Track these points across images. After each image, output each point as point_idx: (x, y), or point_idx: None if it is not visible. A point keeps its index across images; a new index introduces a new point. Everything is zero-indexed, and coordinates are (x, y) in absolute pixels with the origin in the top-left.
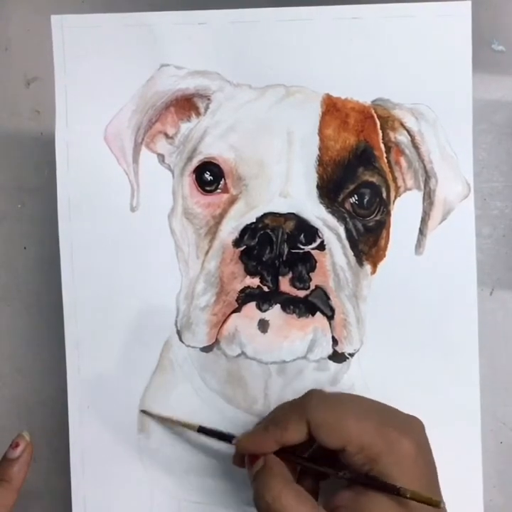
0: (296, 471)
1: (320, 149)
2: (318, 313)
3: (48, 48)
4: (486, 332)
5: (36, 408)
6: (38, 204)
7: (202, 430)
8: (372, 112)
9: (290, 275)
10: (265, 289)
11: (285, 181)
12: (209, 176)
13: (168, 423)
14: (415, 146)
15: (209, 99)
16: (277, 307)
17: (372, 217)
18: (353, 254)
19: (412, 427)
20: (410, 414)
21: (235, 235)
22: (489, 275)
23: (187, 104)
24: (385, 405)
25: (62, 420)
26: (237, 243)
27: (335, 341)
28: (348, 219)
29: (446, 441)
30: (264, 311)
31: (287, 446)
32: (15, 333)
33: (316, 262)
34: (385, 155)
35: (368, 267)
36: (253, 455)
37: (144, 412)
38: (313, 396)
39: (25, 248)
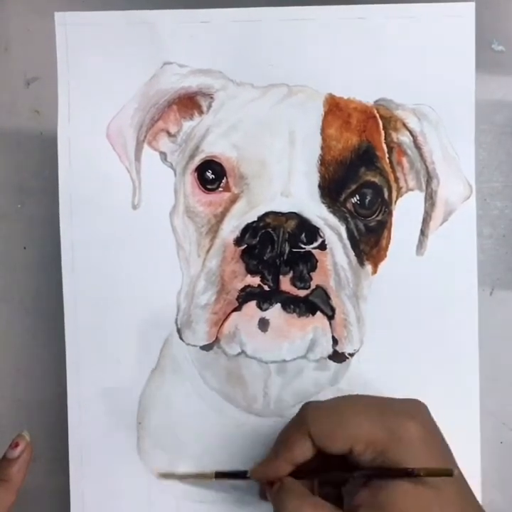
0: (314, 487)
1: (322, 149)
2: (318, 313)
3: (48, 47)
4: (486, 332)
5: (36, 408)
6: (38, 204)
7: (219, 475)
8: (375, 112)
9: (291, 274)
10: (266, 288)
11: (287, 180)
12: (211, 174)
13: (185, 478)
14: (417, 146)
15: (212, 98)
16: (278, 306)
17: (373, 217)
18: (354, 254)
19: (414, 410)
20: (410, 398)
21: (237, 233)
22: (489, 275)
23: (189, 103)
24: (382, 398)
25: (62, 420)
26: (238, 242)
27: (335, 341)
28: (349, 219)
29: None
30: (265, 310)
31: (301, 465)
32: (15, 333)
33: (317, 261)
34: (387, 155)
35: (368, 267)
36: (272, 482)
37: (162, 475)
38: (309, 408)
39: (25, 248)
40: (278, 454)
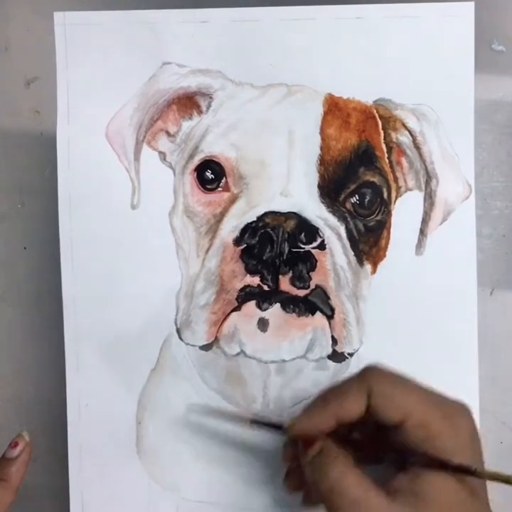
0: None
1: (321, 149)
2: (317, 313)
3: (48, 47)
4: (486, 332)
5: (36, 408)
6: (38, 204)
7: (254, 422)
8: (374, 112)
9: (290, 274)
10: (265, 287)
11: (286, 180)
12: (210, 174)
13: (219, 415)
14: (417, 146)
15: (211, 98)
16: (277, 306)
17: (373, 217)
18: (353, 253)
19: (466, 409)
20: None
21: (236, 233)
22: (489, 275)
23: (189, 103)
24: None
25: (62, 420)
26: (237, 242)
27: (334, 341)
28: (348, 219)
29: None
30: (264, 310)
31: (343, 425)
32: (15, 333)
33: (316, 261)
34: (386, 155)
35: (368, 267)
36: (307, 442)
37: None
38: (374, 368)
39: (25, 248)
40: (326, 404)
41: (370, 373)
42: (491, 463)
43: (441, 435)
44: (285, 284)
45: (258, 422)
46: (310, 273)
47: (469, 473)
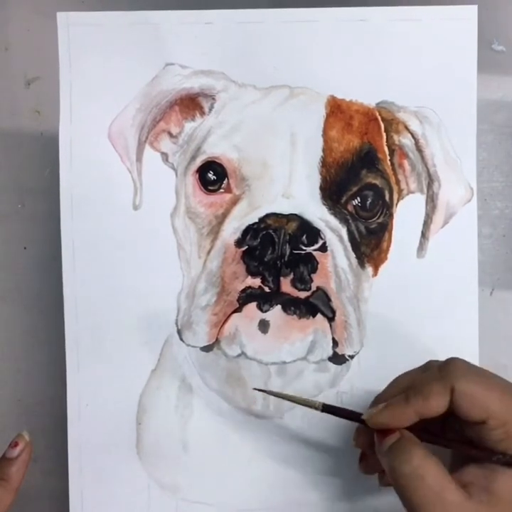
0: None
1: (323, 151)
2: (318, 315)
3: (48, 47)
4: (486, 332)
5: (36, 408)
6: (38, 204)
7: (326, 409)
8: (377, 114)
9: (291, 276)
10: (266, 289)
11: (288, 182)
12: (212, 175)
13: (290, 400)
14: (419, 149)
15: (213, 99)
16: (278, 308)
17: (374, 219)
18: (354, 256)
19: None
20: None
21: (237, 235)
22: (489, 275)
23: (191, 104)
24: None
25: (62, 420)
26: (239, 243)
27: (335, 343)
28: (350, 221)
29: None
30: (265, 311)
31: (424, 421)
32: (15, 333)
33: (317, 263)
34: (388, 158)
35: (369, 269)
36: (383, 432)
37: (257, 389)
38: (458, 364)
39: (25, 248)
40: (408, 402)
41: (453, 370)
42: None
43: None
44: (286, 285)
45: (331, 408)
46: (311, 275)
47: None
